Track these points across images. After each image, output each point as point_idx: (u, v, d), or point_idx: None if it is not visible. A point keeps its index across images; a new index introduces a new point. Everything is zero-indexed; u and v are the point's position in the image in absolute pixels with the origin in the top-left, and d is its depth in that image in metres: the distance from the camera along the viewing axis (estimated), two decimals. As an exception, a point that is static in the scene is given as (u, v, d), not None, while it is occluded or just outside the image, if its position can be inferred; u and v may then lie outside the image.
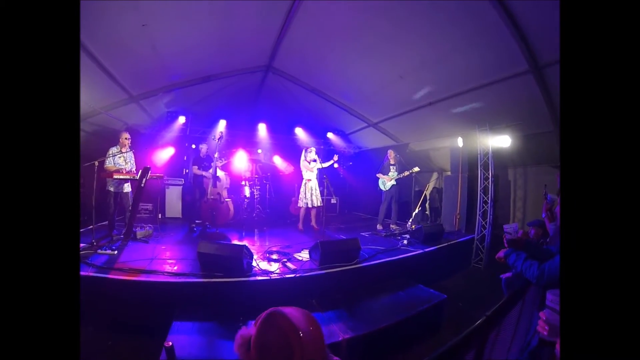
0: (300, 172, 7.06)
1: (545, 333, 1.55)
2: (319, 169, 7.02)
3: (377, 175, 7.59)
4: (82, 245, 4.58)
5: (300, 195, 6.97)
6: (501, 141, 6.26)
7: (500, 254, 2.48)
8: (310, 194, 6.82)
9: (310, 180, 6.88)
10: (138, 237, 5.33)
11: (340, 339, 2.99)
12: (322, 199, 6.87)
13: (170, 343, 2.60)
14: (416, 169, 7.13)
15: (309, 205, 6.83)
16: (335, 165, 9.05)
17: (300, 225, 7.09)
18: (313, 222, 7.11)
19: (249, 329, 1.02)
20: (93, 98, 5.83)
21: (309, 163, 6.91)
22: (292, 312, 1.01)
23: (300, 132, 10.09)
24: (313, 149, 7.12)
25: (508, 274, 3.76)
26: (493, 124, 6.35)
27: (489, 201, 6.57)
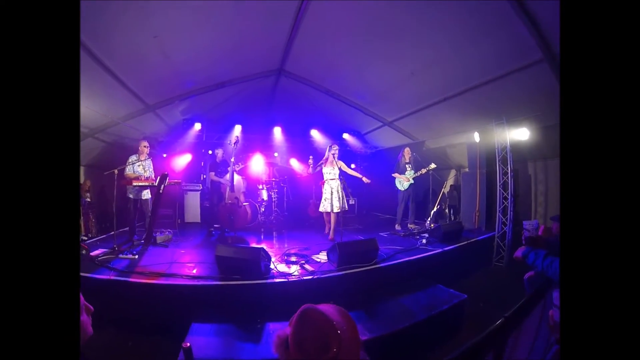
0: (318, 173, 6.43)
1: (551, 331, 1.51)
2: (340, 169, 6.10)
3: (393, 175, 7.45)
4: (104, 250, 4.73)
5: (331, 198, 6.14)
6: (519, 134, 6.11)
7: (518, 253, 2.37)
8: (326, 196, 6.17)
9: (325, 181, 6.22)
10: (158, 241, 5.44)
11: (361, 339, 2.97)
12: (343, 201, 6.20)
13: (188, 344, 2.63)
14: (432, 165, 6.98)
15: (325, 210, 6.21)
16: (353, 167, 8.94)
17: (327, 232, 6.42)
18: (328, 230, 6.39)
19: (285, 329, 1.02)
20: (110, 109, 6.01)
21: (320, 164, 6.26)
22: (326, 307, 1.03)
23: (316, 134, 10.12)
24: (335, 147, 6.22)
25: (531, 273, 3.66)
26: (510, 117, 6.19)
27: (509, 197, 6.40)
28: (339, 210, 6.04)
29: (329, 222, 6.33)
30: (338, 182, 6.10)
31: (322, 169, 6.26)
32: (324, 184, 6.26)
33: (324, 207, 6.15)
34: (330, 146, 6.24)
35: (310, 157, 6.49)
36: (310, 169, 6.45)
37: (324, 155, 6.31)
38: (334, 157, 6.14)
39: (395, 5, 4.48)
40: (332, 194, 6.08)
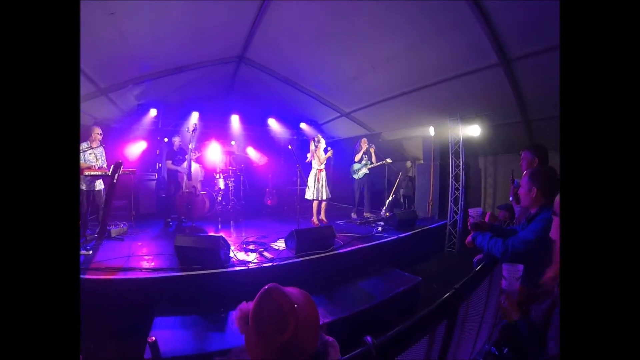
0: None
1: (504, 303, 1.66)
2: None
3: (355, 160, 7.61)
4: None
5: (309, 186, 6.55)
6: (471, 130, 6.50)
7: (469, 238, 2.68)
8: (320, 185, 6.50)
9: (321, 171, 6.53)
10: (113, 235, 5.19)
11: (320, 323, 3.08)
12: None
13: (154, 338, 2.59)
14: (388, 160, 7.30)
15: (320, 198, 6.51)
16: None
17: (315, 220, 6.70)
18: (323, 216, 6.76)
19: (249, 304, 1.05)
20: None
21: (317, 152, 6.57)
22: (289, 289, 1.06)
23: (273, 123, 10.09)
24: (322, 139, 6.73)
25: (479, 256, 3.96)
26: (463, 114, 6.57)
27: (460, 188, 6.81)
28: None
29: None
30: (324, 171, 6.55)
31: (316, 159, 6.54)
32: (320, 172, 6.51)
33: (316, 194, 6.47)
34: (317, 138, 6.65)
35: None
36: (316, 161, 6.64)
37: (310, 148, 6.64)
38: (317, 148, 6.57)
39: (360, 2, 4.56)
40: (321, 182, 6.49)
